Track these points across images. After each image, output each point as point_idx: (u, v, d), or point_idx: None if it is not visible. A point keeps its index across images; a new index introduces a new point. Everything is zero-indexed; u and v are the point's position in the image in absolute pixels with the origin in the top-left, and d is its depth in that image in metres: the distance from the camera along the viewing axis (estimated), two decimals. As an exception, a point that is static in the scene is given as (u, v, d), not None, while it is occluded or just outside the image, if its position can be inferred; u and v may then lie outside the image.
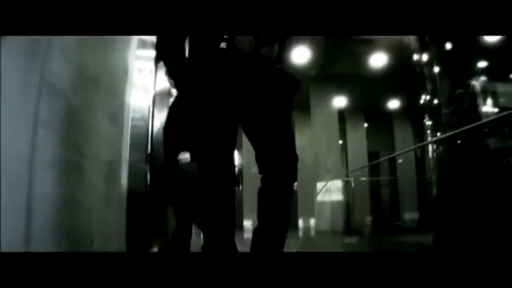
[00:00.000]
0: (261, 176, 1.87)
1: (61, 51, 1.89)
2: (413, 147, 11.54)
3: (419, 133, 13.48)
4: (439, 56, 6.31)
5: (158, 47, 2.12)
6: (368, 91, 12.20)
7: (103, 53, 2.57)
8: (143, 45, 3.83)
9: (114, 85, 2.84)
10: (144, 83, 3.88)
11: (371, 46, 9.01)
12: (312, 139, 11.89)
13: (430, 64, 6.60)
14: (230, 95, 1.82)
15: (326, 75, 10.33)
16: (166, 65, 2.13)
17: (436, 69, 6.35)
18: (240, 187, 13.46)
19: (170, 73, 2.17)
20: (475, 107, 5.35)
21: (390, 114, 14.85)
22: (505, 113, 4.56)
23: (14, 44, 1.48)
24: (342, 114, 13.76)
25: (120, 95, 2.97)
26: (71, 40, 1.99)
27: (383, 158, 12.74)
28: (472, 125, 4.89)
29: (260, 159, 1.88)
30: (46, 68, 1.73)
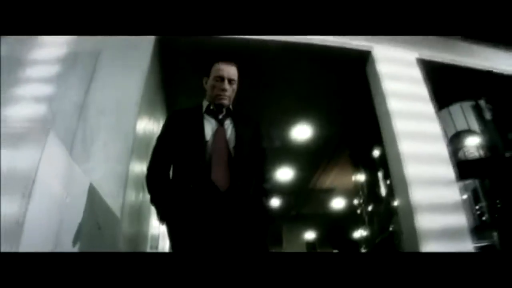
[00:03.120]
0: None
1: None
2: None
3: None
4: (371, 198, 8.00)
5: (147, 180, 2.07)
6: (332, 226, 13.84)
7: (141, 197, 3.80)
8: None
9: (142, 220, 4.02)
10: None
11: (331, 193, 10.88)
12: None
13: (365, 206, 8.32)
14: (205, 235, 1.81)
15: (296, 215, 11.92)
16: (151, 196, 2.04)
17: (370, 208, 8.01)
18: None
19: (155, 205, 2.03)
20: (392, 240, 6.65)
21: (357, 241, 16.15)
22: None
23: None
24: (313, 245, 15.02)
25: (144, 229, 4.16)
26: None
27: None
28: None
29: None
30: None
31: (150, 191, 2.03)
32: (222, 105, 2.14)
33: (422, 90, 4.53)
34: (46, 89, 3.94)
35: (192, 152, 1.97)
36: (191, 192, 1.86)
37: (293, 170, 8.45)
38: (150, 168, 2.08)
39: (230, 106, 2.20)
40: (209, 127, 2.07)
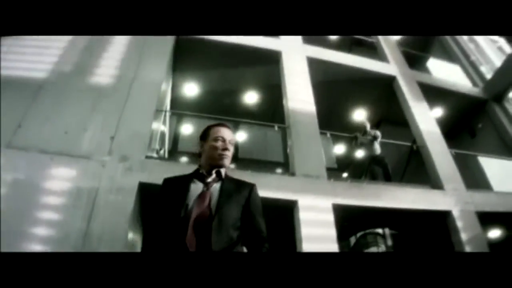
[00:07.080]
0: None
1: None
2: None
3: None
4: None
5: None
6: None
7: None
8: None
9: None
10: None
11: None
12: None
13: None
14: None
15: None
16: None
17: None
18: None
19: None
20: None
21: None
22: None
23: None
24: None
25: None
26: None
27: None
28: None
29: None
30: None
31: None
32: (222, 165, 2.12)
33: (332, 231, 6.10)
34: (57, 216, 5.22)
35: (172, 214, 1.94)
36: (165, 252, 1.84)
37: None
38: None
39: (221, 170, 2.15)
40: (195, 190, 2.04)
